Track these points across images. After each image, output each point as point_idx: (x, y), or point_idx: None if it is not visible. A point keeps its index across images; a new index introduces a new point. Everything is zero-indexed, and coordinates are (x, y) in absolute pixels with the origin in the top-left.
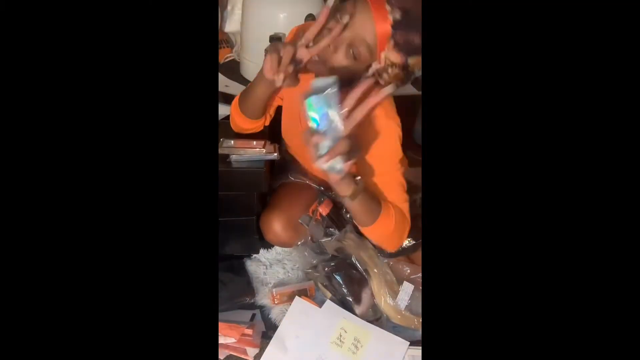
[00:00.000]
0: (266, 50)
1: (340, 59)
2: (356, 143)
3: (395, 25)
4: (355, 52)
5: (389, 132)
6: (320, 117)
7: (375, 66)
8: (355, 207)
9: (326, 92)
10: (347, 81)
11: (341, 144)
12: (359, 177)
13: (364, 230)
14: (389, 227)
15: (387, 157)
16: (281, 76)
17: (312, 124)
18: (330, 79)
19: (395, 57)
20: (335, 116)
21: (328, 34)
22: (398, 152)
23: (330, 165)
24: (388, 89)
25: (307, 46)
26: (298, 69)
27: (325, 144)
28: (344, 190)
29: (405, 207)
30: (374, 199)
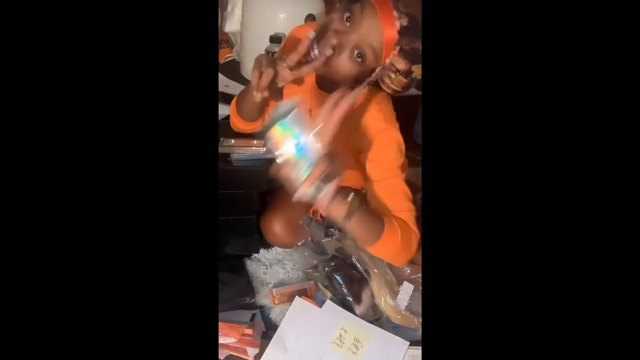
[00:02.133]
0: (266, 50)
1: (344, 62)
2: (337, 160)
3: (402, 32)
4: (361, 55)
5: (387, 137)
6: (290, 142)
7: (379, 71)
8: (353, 228)
9: (289, 115)
10: (349, 85)
11: (320, 164)
12: (351, 194)
13: (369, 249)
14: (396, 243)
15: (386, 163)
16: (258, 96)
17: (283, 153)
18: (290, 102)
19: (400, 63)
20: (306, 137)
21: (332, 36)
22: (398, 158)
23: (313, 191)
24: (356, 91)
25: (290, 67)
26: (280, 87)
27: (302, 169)
28: (338, 212)
29: (408, 216)
30: (374, 214)
